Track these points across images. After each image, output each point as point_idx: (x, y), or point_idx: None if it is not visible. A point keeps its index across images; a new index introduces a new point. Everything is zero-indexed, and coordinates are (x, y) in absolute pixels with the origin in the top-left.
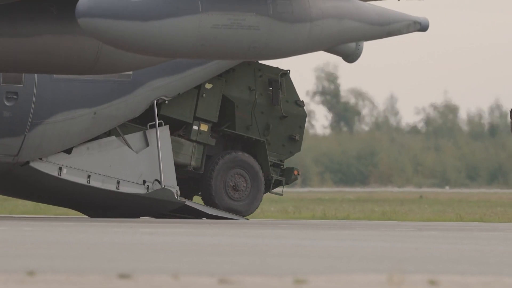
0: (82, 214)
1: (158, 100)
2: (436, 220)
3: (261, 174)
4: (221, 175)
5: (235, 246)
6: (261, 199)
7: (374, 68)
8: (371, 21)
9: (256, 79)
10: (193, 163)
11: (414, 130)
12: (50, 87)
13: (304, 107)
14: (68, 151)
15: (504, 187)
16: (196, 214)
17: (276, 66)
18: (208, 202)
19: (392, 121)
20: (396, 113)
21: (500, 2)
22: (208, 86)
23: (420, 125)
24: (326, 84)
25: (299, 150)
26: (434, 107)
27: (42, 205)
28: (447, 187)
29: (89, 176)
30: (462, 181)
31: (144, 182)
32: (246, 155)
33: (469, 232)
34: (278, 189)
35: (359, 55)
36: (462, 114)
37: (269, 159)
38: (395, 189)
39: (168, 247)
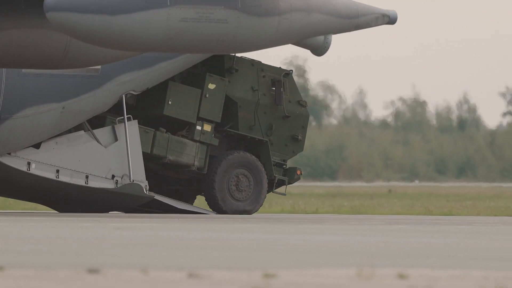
0: (51, 209)
1: (126, 94)
2: (405, 214)
3: (264, 174)
4: (224, 175)
5: (205, 240)
6: (264, 199)
7: (343, 61)
8: (339, 14)
9: (259, 79)
10: (196, 163)
11: (383, 124)
12: (19, 82)
13: (307, 107)
14: (37, 146)
15: (472, 180)
16: (165, 209)
17: (278, 67)
18: (211, 202)
19: (361, 115)
20: (365, 107)
21: None
22: (211, 86)
23: (389, 119)
24: (295, 78)
25: (301, 150)
26: (403, 101)
27: (10, 200)
28: (416, 181)
29: (57, 171)
30: (430, 175)
31: (113, 176)
32: (249, 155)
33: (438, 226)
34: (281, 189)
35: (328, 48)
36: (431, 108)
37: (272, 159)
38: (364, 183)
39: (137, 241)
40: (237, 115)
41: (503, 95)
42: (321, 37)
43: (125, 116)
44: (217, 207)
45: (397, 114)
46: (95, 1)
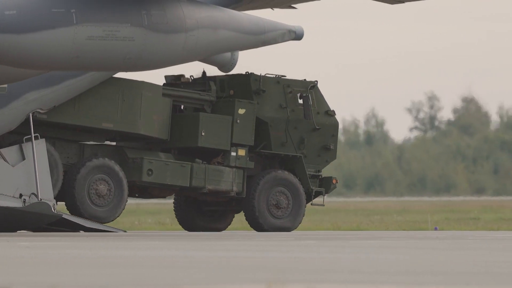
0: None
1: (33, 112)
2: (313, 229)
3: (301, 189)
4: (263, 194)
5: (113, 258)
6: (304, 214)
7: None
8: (245, 30)
9: (286, 96)
10: (234, 188)
11: None
12: None
13: (336, 115)
14: None
15: (380, 195)
16: (73, 227)
17: (303, 79)
18: (251, 220)
19: None
20: None
21: (372, 11)
22: (241, 111)
23: None
24: None
25: (334, 158)
26: None
27: None
28: (324, 196)
29: None
30: (338, 190)
31: (21, 195)
32: (287, 173)
33: (346, 241)
34: (318, 200)
35: (235, 64)
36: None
37: (307, 172)
38: None
39: (46, 260)
40: (269, 135)
41: (409, 110)
42: (228, 54)
43: (32, 135)
44: (257, 225)
45: None
46: (1, 19)
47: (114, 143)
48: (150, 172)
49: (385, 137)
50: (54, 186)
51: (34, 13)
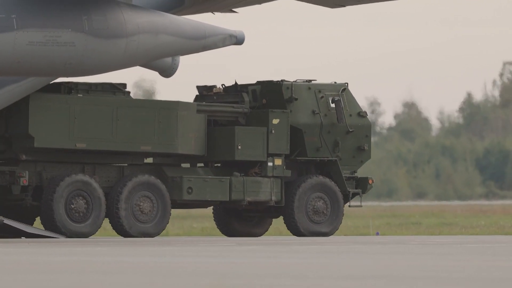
0: None
1: None
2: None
3: (339, 193)
4: (301, 202)
5: (55, 264)
6: (342, 218)
7: (190, 83)
8: (186, 35)
9: (318, 101)
10: (273, 197)
11: None
12: None
13: (368, 116)
14: None
15: None
16: (15, 233)
17: (334, 82)
18: (290, 225)
19: None
20: None
21: (313, 15)
22: (275, 121)
23: None
24: None
25: (369, 157)
26: None
27: None
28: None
29: None
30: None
31: None
32: (323, 177)
33: (288, 246)
34: (356, 202)
35: (176, 69)
36: None
37: (343, 174)
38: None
39: None
40: (304, 141)
41: None
42: (169, 59)
43: None
44: (297, 231)
45: None
46: None
47: (151, 159)
48: (190, 190)
49: None
50: (98, 216)
51: None
